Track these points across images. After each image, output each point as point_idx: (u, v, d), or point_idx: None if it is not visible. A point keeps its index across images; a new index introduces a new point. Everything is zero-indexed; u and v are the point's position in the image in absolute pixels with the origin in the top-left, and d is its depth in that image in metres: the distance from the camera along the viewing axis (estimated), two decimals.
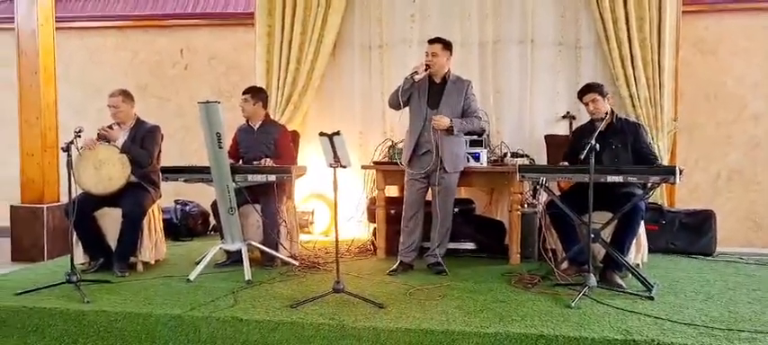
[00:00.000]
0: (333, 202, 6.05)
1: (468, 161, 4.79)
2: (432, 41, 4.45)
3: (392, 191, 5.39)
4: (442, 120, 4.28)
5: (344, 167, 3.68)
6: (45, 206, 5.92)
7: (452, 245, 4.90)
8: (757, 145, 6.21)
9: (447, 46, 4.44)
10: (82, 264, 4.44)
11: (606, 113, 4.26)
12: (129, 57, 7.51)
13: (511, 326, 3.17)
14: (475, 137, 4.91)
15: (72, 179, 3.95)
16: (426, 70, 4.33)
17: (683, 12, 5.64)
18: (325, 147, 3.65)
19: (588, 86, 4.34)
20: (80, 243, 4.45)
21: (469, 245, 5.11)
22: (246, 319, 3.33)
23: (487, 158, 4.97)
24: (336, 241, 3.82)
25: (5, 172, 6.26)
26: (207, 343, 3.32)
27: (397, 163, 4.80)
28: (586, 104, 4.27)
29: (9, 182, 6.18)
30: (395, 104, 4.44)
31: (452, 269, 4.47)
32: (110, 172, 4.36)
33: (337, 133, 3.59)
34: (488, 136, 5.38)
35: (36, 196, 5.99)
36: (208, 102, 4.00)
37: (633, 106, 5.47)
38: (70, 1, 7.71)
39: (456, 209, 4.79)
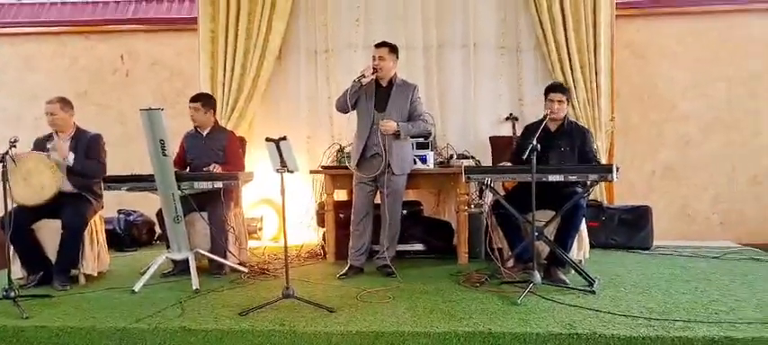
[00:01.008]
0: (280, 208, 6.08)
1: (416, 163, 4.85)
2: (378, 45, 4.50)
3: (341, 195, 5.41)
4: (390, 124, 4.32)
5: (291, 172, 3.68)
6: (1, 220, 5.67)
7: (402, 247, 4.98)
8: (687, 144, 6.52)
9: (393, 50, 4.50)
10: (20, 279, 4.27)
11: (562, 118, 4.38)
12: (67, 64, 7.27)
13: (459, 325, 3.24)
14: (421, 140, 4.98)
15: (7, 190, 3.81)
16: (374, 74, 4.37)
17: (617, 15, 5.88)
18: (272, 153, 3.64)
19: (559, 86, 4.45)
20: (17, 257, 4.28)
21: (419, 247, 5.18)
22: (194, 329, 3.28)
23: (434, 160, 5.05)
24: (285, 246, 3.82)
25: None
26: None
27: (345, 167, 4.83)
28: (552, 102, 4.30)
29: None
30: (342, 108, 4.47)
31: (402, 270, 4.52)
32: (41, 180, 4.19)
33: (284, 138, 3.59)
34: (435, 138, 5.46)
35: None
36: (150, 109, 3.93)
37: (572, 107, 5.64)
38: (3, 7, 7.40)
39: (404, 212, 4.85)
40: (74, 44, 7.26)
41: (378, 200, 4.57)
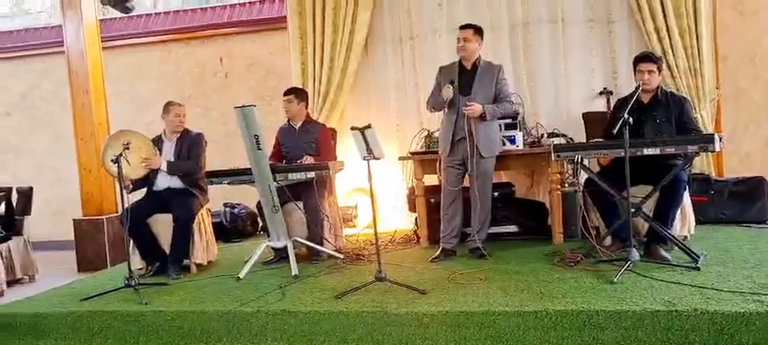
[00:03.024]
0: (374, 195, 6.22)
1: (504, 144, 4.80)
2: (463, 27, 4.50)
3: (432, 180, 5.45)
4: (475, 108, 4.30)
5: (378, 159, 3.77)
6: (104, 217, 6.26)
7: (495, 230, 4.94)
8: None
9: (478, 31, 4.48)
10: (139, 269, 4.67)
11: (655, 88, 4.19)
12: (172, 70, 7.80)
13: (551, 304, 3.20)
14: (509, 121, 4.92)
15: (124, 191, 4.17)
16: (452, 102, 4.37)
17: None
18: (358, 141, 3.74)
19: (649, 55, 4.25)
20: (137, 250, 4.68)
21: (512, 228, 5.12)
22: (293, 311, 3.47)
23: (524, 140, 4.96)
24: (375, 231, 3.92)
25: (73, 190, 6.63)
26: (257, 336, 3.46)
27: (434, 152, 4.86)
28: (642, 72, 4.13)
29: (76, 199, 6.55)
30: (434, 109, 4.62)
31: (495, 252, 4.51)
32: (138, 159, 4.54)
33: (368, 126, 3.68)
34: (523, 118, 5.38)
35: (95, 209, 6.34)
36: (244, 107, 4.16)
37: (672, 77, 5.37)
38: (115, 20, 8.05)
39: (495, 194, 4.84)
40: (177, 50, 7.78)
41: (467, 183, 4.57)
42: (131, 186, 4.60)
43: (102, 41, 6.52)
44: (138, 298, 3.85)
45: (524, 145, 4.98)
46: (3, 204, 5.72)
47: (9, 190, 6.02)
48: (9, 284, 5.80)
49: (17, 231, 5.99)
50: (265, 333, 3.45)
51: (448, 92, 4.30)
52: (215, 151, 5.61)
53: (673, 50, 5.35)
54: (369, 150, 3.74)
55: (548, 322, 3.09)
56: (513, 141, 4.88)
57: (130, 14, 7.45)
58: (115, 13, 7.28)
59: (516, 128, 4.94)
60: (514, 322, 3.12)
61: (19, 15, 11.43)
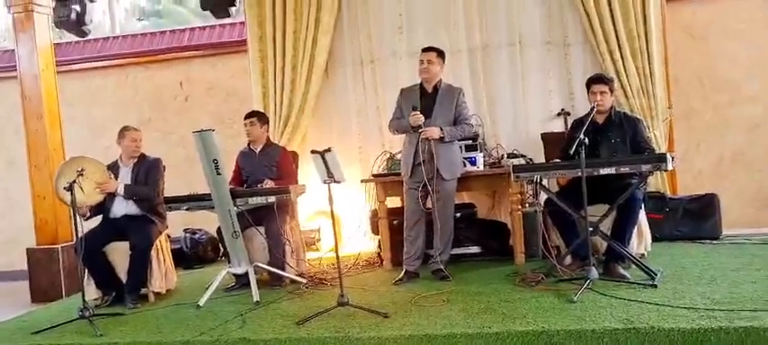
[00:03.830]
0: (336, 218, 6.18)
1: (465, 165, 4.84)
2: (426, 49, 4.55)
3: (395, 202, 5.45)
4: (433, 132, 4.35)
5: (339, 182, 3.76)
6: (59, 246, 6.07)
7: (457, 251, 4.97)
8: (757, 126, 6.20)
9: (441, 54, 4.54)
10: (95, 299, 4.53)
11: (608, 108, 4.29)
12: (130, 94, 7.66)
13: (513, 325, 3.22)
14: (470, 142, 4.97)
15: (80, 218, 4.06)
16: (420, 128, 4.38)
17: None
18: (318, 165, 3.73)
19: (600, 77, 4.37)
20: (92, 280, 4.55)
21: (474, 249, 5.15)
22: (254, 339, 3.41)
23: (484, 162, 5.02)
24: (336, 255, 3.90)
25: (27, 217, 6.41)
26: None
27: (396, 174, 4.88)
28: (594, 93, 4.24)
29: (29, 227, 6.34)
30: (395, 133, 4.71)
31: (457, 274, 4.53)
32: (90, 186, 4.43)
33: (328, 150, 3.68)
34: (484, 139, 5.44)
35: (50, 237, 6.14)
36: (202, 131, 4.10)
37: (626, 97, 5.51)
38: (70, 44, 7.88)
39: (458, 215, 4.87)
40: (136, 74, 7.66)
41: (430, 205, 4.58)
42: (89, 213, 4.49)
43: (57, 65, 6.38)
44: (93, 330, 3.74)
45: (485, 165, 5.03)
46: None
47: None
48: None
49: None
50: None
51: (417, 119, 4.33)
52: (175, 176, 5.49)
53: (626, 71, 5.51)
54: (329, 174, 3.73)
55: (510, 342, 3.11)
56: (473, 162, 4.93)
57: (87, 38, 7.34)
58: (71, 37, 7.15)
59: (477, 150, 4.99)
60: (477, 344, 3.12)
61: None
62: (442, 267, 4.46)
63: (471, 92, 5.74)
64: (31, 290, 6.17)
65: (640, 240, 4.44)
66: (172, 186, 5.03)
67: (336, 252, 3.91)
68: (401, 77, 5.69)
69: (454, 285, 4.26)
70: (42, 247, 6.12)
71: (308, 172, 5.68)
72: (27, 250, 6.20)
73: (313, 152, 3.75)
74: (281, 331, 3.48)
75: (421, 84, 4.56)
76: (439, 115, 4.45)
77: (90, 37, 7.02)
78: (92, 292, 4.54)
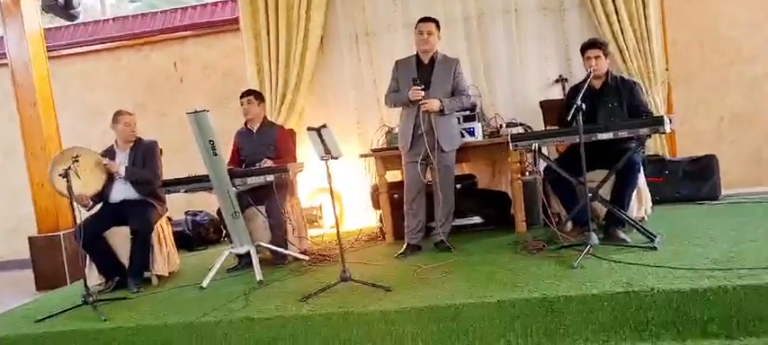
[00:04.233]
0: (337, 195, 6.19)
1: (464, 136, 4.82)
2: (424, 20, 4.48)
3: (395, 176, 5.44)
4: (432, 104, 4.31)
5: (336, 158, 3.74)
6: (61, 233, 6.07)
7: (459, 222, 4.97)
8: (756, 86, 6.15)
9: (438, 25, 4.49)
10: (98, 285, 4.55)
11: (604, 73, 4.26)
12: (124, 77, 7.60)
13: (514, 293, 3.23)
14: (467, 113, 4.94)
15: (84, 209, 4.05)
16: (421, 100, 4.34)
17: None
18: (315, 142, 3.71)
19: (594, 42, 4.33)
20: (94, 266, 4.56)
21: (476, 219, 5.16)
22: (257, 318, 3.42)
23: (483, 132, 5.00)
24: (337, 232, 3.90)
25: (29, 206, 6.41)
26: None
27: (395, 148, 4.86)
28: (589, 59, 4.21)
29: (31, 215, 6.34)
30: (391, 106, 4.68)
31: (460, 244, 4.53)
32: (87, 178, 4.42)
33: (324, 126, 3.66)
34: (482, 109, 5.41)
35: (51, 225, 6.14)
36: (197, 112, 4.07)
37: (623, 60, 5.47)
38: (61, 29, 7.80)
39: (458, 186, 4.86)
40: (129, 57, 7.59)
41: (430, 178, 4.58)
42: (90, 203, 4.48)
43: (49, 50, 6.31)
44: (97, 315, 3.75)
45: (484, 136, 5.01)
46: None
47: None
48: None
49: None
50: (229, 342, 3.39)
51: (417, 94, 4.29)
52: (173, 159, 5.47)
53: (623, 34, 5.46)
54: (326, 150, 3.71)
55: (512, 310, 3.12)
56: (472, 133, 4.91)
57: (78, 22, 7.26)
58: (62, 22, 7.07)
59: (475, 120, 4.96)
60: (479, 313, 3.14)
61: None
62: (444, 238, 4.46)
63: (468, 62, 5.71)
64: (35, 278, 6.19)
65: (640, 204, 4.43)
66: (173, 170, 5.00)
67: (337, 228, 3.91)
68: (397, 49, 5.64)
69: (456, 256, 4.26)
70: (44, 235, 6.13)
71: (307, 148, 5.67)
72: (29, 238, 6.21)
73: (309, 129, 3.72)
74: (284, 309, 3.49)
75: (417, 56, 4.51)
76: (437, 87, 4.41)
77: (81, 20, 6.94)
78: (95, 278, 4.55)
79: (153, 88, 7.54)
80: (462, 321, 3.15)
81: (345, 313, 3.33)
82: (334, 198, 3.90)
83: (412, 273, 3.93)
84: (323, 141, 3.69)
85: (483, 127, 5.04)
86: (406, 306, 3.27)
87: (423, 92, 4.30)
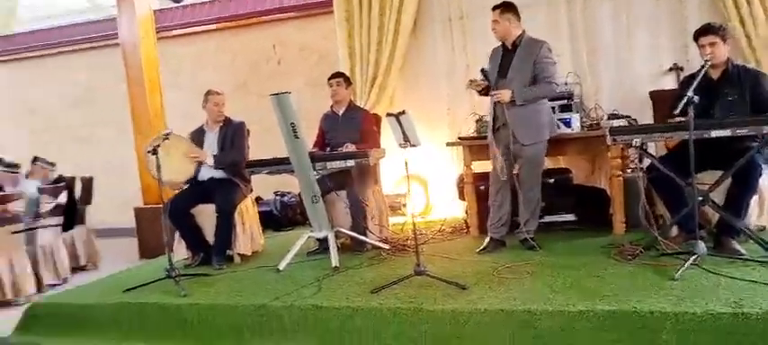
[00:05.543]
0: (423, 183, 6.02)
1: (559, 127, 4.48)
2: (493, 8, 4.22)
3: (484, 167, 5.19)
4: (503, 95, 4.06)
5: (414, 146, 3.57)
6: (162, 205, 6.35)
7: (549, 218, 4.68)
8: None
9: (507, 8, 4.17)
10: (185, 259, 4.69)
11: (724, 61, 3.78)
12: (229, 58, 7.83)
13: (600, 303, 2.93)
14: (564, 102, 4.59)
15: (160, 178, 4.16)
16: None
17: None
18: (394, 128, 3.57)
19: (708, 27, 3.83)
20: (182, 240, 4.70)
21: (569, 217, 4.80)
22: (326, 306, 3.36)
23: (581, 123, 4.62)
24: (412, 222, 3.74)
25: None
26: (291, 332, 3.37)
27: (483, 137, 4.61)
28: (703, 47, 3.74)
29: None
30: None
31: (547, 244, 4.22)
32: (176, 165, 4.53)
33: (403, 112, 3.50)
34: (582, 99, 5.01)
35: (155, 197, 6.44)
36: (279, 94, 4.05)
37: (751, 48, 4.87)
38: (171, 10, 8.15)
39: (551, 180, 4.56)
40: (233, 38, 7.80)
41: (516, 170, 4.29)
42: (184, 187, 4.62)
43: (160, 32, 6.59)
44: (178, 290, 3.84)
45: (582, 127, 4.63)
46: (65, 193, 5.89)
47: (71, 179, 6.22)
48: (73, 271, 6.02)
49: (80, 220, 6.19)
50: (297, 329, 3.35)
51: (476, 84, 4.11)
52: (268, 140, 5.51)
53: (753, 18, 4.84)
54: (405, 137, 3.56)
55: (596, 322, 2.83)
56: (568, 124, 4.55)
57: (186, 3, 7.55)
58: (168, 3, 7.37)
59: (572, 110, 4.60)
60: (557, 323, 2.88)
61: (92, 10, 11.84)
62: (527, 236, 4.17)
63: (569, 48, 5.33)
64: (139, 247, 6.55)
65: (761, 212, 3.91)
66: (269, 149, 5.00)
67: (413, 219, 3.75)
68: (492, 34, 5.34)
69: (542, 256, 3.97)
70: (147, 206, 6.46)
71: (389, 135, 5.55)
72: (134, 209, 6.57)
73: (388, 114, 3.60)
74: (353, 300, 3.39)
75: (502, 42, 4.25)
76: (515, 74, 4.12)
77: (189, 2, 7.19)
78: (183, 251, 4.69)
79: (254, 69, 7.71)
80: (539, 329, 2.90)
81: (415, 309, 3.18)
82: (410, 187, 3.73)
83: (491, 271, 3.70)
84: (402, 128, 3.54)
85: (581, 117, 4.66)
86: (479, 307, 3.07)
87: (484, 84, 4.10)
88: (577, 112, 4.62)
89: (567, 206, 4.79)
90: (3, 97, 9.32)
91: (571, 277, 3.42)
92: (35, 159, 6.28)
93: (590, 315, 2.85)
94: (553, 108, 4.47)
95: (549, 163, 4.79)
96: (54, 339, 3.80)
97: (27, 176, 6.00)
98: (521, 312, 2.96)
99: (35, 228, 5.56)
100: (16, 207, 5.36)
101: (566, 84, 4.87)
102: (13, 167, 5.87)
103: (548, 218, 4.60)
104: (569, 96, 4.58)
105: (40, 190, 5.73)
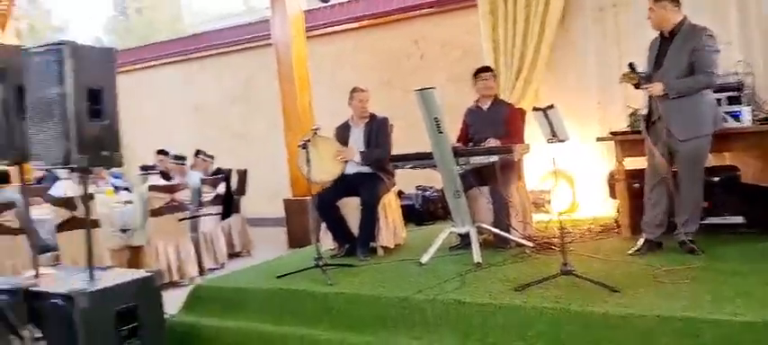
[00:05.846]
0: (572, 179, 5.78)
1: (726, 121, 4.09)
2: None
3: (638, 163, 4.87)
4: (654, 87, 3.80)
5: (563, 141, 3.44)
6: (310, 198, 6.68)
7: (714, 220, 4.30)
8: None
9: None
10: (332, 249, 4.89)
11: None
12: (368, 56, 8.04)
13: None
14: (733, 94, 4.18)
15: (310, 173, 4.36)
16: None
17: None
18: (542, 122, 3.46)
19: None
20: (329, 232, 4.91)
21: (736, 220, 4.36)
22: (469, 302, 3.34)
23: (752, 116, 4.18)
24: (559, 220, 3.60)
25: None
26: (433, 325, 3.39)
27: (637, 132, 4.33)
28: None
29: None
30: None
31: (710, 248, 3.88)
32: (325, 165, 4.68)
33: (551, 106, 3.39)
34: (754, 90, 4.53)
35: (303, 190, 6.82)
36: (423, 89, 4.08)
37: None
38: (316, 10, 8.51)
39: (715, 178, 4.21)
40: (374, 35, 8.00)
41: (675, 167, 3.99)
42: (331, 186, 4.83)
43: (306, 31, 6.93)
44: (325, 279, 4.01)
45: (754, 121, 4.19)
46: (223, 184, 6.41)
47: (229, 171, 6.75)
48: (230, 257, 6.55)
49: (236, 209, 6.70)
50: (440, 323, 3.36)
51: (627, 78, 3.92)
52: (416, 135, 5.58)
53: None
54: (553, 132, 3.44)
55: (765, 335, 2.55)
56: (737, 117, 4.14)
57: (334, 3, 7.85)
58: (315, 3, 7.70)
59: (741, 103, 4.18)
60: (722, 334, 2.64)
61: (247, 13, 12.76)
62: (686, 239, 3.85)
63: (737, 34, 4.83)
64: (288, 236, 6.95)
65: None
66: (414, 146, 5.06)
67: (559, 215, 3.62)
68: (648, 23, 5.01)
69: (704, 261, 3.66)
70: (295, 199, 6.83)
71: (534, 130, 5.38)
72: (284, 200, 6.98)
73: (535, 109, 3.50)
74: (496, 296, 3.34)
75: (660, 31, 3.95)
76: (671, 65, 3.83)
77: (330, 2, 7.46)
78: (329, 242, 4.89)
79: (396, 65, 7.85)
80: (701, 340, 2.67)
81: (562, 309, 3.07)
82: (557, 183, 3.61)
83: (646, 275, 3.48)
84: (550, 122, 3.43)
85: (753, 110, 4.22)
86: (633, 312, 2.90)
87: (637, 77, 3.90)
88: (748, 105, 4.19)
89: (734, 207, 4.36)
90: (173, 95, 10.33)
91: (737, 285, 3.13)
92: (197, 152, 6.91)
93: (759, 327, 2.58)
94: (719, 100, 4.08)
95: (712, 160, 4.39)
96: (214, 318, 4.12)
97: (191, 168, 6.62)
98: (679, 319, 2.76)
99: (199, 216, 6.11)
100: (182, 196, 5.93)
101: (735, 73, 4.44)
102: (180, 159, 6.50)
103: (711, 220, 4.23)
104: (739, 87, 4.16)
105: (202, 181, 6.28)
